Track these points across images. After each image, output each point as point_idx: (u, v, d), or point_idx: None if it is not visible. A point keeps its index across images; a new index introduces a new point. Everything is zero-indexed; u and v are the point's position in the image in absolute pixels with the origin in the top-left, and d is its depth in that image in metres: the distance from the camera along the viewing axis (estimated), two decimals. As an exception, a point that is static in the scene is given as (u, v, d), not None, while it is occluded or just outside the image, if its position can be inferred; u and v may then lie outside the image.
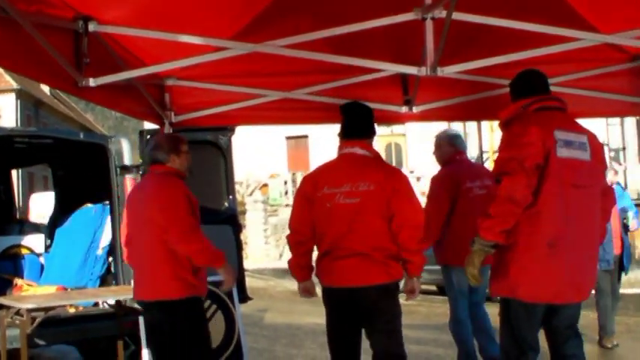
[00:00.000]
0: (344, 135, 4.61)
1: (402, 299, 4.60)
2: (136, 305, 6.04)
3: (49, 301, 5.73)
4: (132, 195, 5.08)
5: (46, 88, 40.68)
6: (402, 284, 4.61)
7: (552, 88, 4.43)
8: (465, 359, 6.05)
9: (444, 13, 3.40)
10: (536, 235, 3.87)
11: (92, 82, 3.79)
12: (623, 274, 8.67)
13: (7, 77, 35.12)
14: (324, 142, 28.21)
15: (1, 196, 9.36)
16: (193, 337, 4.69)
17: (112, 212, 7.18)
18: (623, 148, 26.26)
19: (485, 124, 24.59)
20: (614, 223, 7.77)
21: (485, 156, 25.18)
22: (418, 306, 12.19)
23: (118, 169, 7.07)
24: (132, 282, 5.12)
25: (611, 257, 7.99)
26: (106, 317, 6.50)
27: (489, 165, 18.20)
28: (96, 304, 6.79)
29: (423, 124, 21.10)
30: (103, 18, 3.67)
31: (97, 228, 7.35)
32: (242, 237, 7.96)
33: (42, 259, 7.71)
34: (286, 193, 27.48)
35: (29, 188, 29.98)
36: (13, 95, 36.66)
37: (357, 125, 4.60)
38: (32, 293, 6.64)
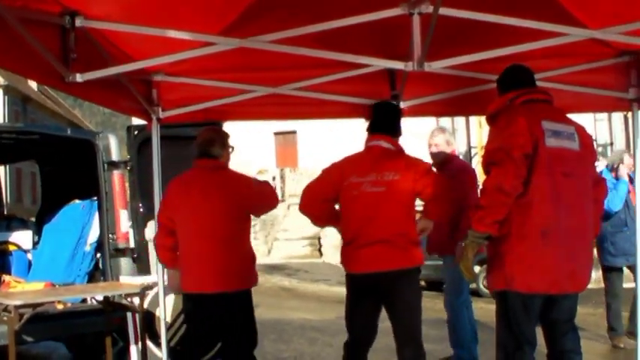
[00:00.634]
0: (371, 129, 4.90)
1: None
2: (124, 301, 6.04)
3: (37, 297, 5.71)
4: (182, 190, 4.88)
5: (33, 84, 40.49)
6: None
7: (539, 83, 4.46)
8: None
9: (430, 9, 3.40)
10: (529, 225, 3.89)
11: (79, 77, 3.77)
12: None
13: (-6, 73, 35.01)
14: (312, 137, 28.10)
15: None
16: (249, 326, 4.93)
17: (99, 208, 7.15)
18: (611, 144, 26.44)
19: (473, 119, 24.62)
20: None
21: (473, 151, 25.24)
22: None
23: (106, 165, 7.06)
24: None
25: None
26: (94, 313, 6.49)
27: (477, 160, 18.19)
28: (84, 301, 6.77)
29: (410, 119, 21.09)
30: (90, 13, 3.66)
31: (84, 224, 7.32)
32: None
33: (30, 256, 7.67)
34: (275, 189, 27.38)
35: (17, 184, 29.84)
36: (0, 91, 36.50)
37: (384, 121, 4.89)
38: (20, 290, 6.61)
